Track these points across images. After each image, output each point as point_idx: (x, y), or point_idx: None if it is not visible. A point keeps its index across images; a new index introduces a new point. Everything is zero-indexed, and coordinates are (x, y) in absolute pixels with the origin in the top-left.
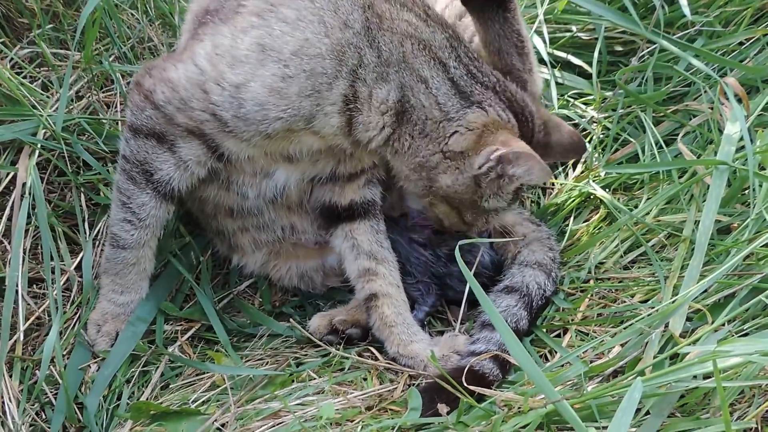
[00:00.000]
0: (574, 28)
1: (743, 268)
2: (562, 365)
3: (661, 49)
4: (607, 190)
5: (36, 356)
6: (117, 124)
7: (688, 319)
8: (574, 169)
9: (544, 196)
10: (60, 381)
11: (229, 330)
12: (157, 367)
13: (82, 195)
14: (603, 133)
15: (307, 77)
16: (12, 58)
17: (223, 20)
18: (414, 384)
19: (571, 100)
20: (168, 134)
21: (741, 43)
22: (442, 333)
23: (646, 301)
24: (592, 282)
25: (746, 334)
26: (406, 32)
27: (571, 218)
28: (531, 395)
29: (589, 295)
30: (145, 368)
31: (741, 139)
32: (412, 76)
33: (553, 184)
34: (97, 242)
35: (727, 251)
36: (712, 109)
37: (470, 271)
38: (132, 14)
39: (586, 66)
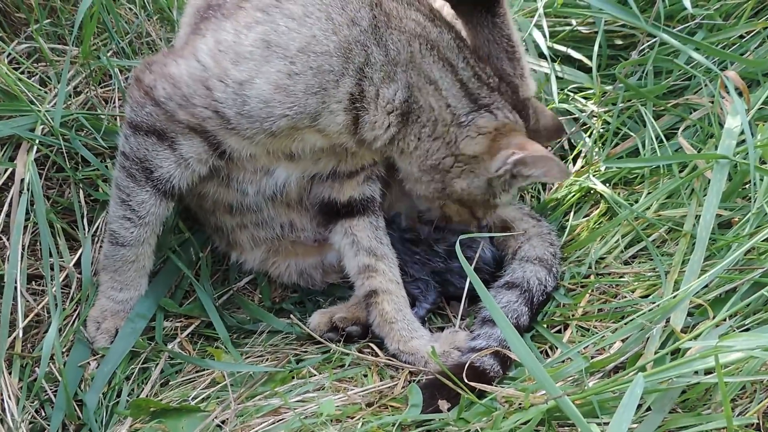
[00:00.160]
0: (573, 21)
1: (744, 263)
2: (563, 361)
3: (662, 43)
4: (607, 184)
5: (35, 353)
6: (115, 119)
7: (690, 314)
8: (574, 164)
9: (544, 192)
10: (59, 378)
11: (228, 326)
12: (157, 363)
13: (81, 191)
14: (603, 128)
15: (314, 74)
16: (9, 54)
17: (226, 16)
18: (414, 380)
19: (571, 94)
20: (169, 131)
21: (741, 36)
22: (442, 329)
23: (647, 297)
24: (592, 277)
25: (748, 329)
26: (414, 31)
27: (572, 213)
28: (532, 391)
29: (589, 291)
30: (144, 365)
31: (742, 132)
32: (421, 76)
33: None
34: (96, 238)
35: (728, 246)
36: (712, 102)
37: (471, 266)
38: (130, 9)
39: (586, 60)
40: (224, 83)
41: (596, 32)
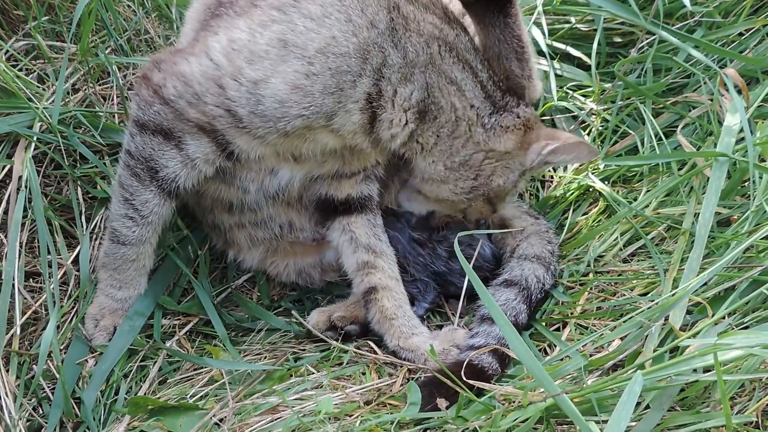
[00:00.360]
0: (573, 19)
1: (743, 261)
2: (562, 359)
3: (661, 40)
4: (606, 182)
5: (33, 351)
6: (114, 116)
7: (688, 312)
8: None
9: (543, 189)
10: (57, 376)
11: (227, 324)
12: (155, 361)
13: (79, 188)
14: (602, 125)
15: (332, 75)
16: (7, 51)
17: (239, 13)
18: (413, 378)
19: (570, 91)
20: (176, 130)
21: (741, 34)
22: (440, 327)
23: (645, 294)
24: (591, 275)
25: (747, 327)
26: (432, 34)
27: (570, 211)
28: (530, 389)
29: (588, 289)
30: (143, 363)
31: (741, 130)
32: (441, 77)
33: (552, 176)
34: (95, 236)
35: (727, 244)
36: (711, 100)
37: (470, 264)
38: (128, 6)
39: (585, 57)
40: (238, 82)
41: (595, 30)
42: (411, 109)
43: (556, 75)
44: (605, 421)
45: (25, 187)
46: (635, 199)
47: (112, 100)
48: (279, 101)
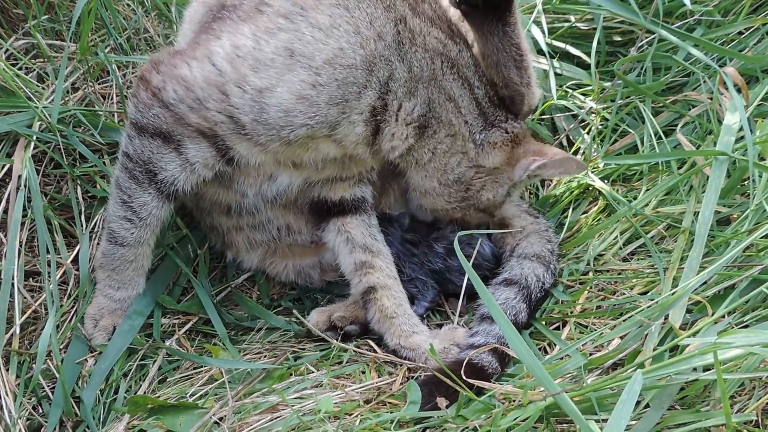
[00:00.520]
0: (572, 18)
1: (743, 260)
2: (562, 358)
3: (660, 39)
4: (605, 181)
5: (33, 350)
6: (113, 115)
7: (688, 310)
8: None
9: (543, 188)
10: (57, 375)
11: (226, 323)
12: (155, 360)
13: (79, 187)
14: (602, 124)
15: (338, 86)
16: (7, 50)
17: (243, 18)
18: (413, 377)
19: (570, 90)
20: (175, 134)
21: (740, 33)
22: (440, 326)
23: (645, 293)
24: (591, 274)
25: (746, 326)
26: (436, 49)
27: (570, 210)
28: (530, 388)
29: (588, 288)
30: (142, 362)
31: (740, 129)
32: (441, 94)
33: None
34: (94, 235)
35: (726, 242)
36: (711, 99)
37: (470, 262)
38: (128, 5)
39: (584, 56)
40: (242, 89)
41: (595, 29)
42: (412, 123)
43: (556, 74)
44: (605, 420)
45: (25, 186)
46: (635, 198)
47: (112, 99)
48: (284, 110)
